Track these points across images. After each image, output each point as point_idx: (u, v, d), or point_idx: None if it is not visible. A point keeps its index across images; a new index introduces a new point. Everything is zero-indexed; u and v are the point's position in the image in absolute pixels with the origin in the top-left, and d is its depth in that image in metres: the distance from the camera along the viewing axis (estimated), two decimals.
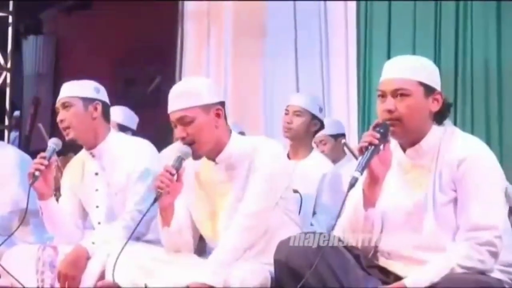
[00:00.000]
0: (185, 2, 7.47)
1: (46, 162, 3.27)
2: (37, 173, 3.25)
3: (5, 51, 8.32)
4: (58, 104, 3.48)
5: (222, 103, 3.04)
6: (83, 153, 3.55)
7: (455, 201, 2.57)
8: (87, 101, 3.45)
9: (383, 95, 2.64)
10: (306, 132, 4.10)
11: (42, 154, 3.31)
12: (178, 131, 2.98)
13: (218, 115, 3.00)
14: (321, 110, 4.19)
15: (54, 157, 3.38)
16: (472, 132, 5.58)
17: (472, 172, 2.53)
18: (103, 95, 3.52)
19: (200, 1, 7.41)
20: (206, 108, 2.98)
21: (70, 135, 3.42)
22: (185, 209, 3.10)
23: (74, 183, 3.53)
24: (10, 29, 8.34)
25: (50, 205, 3.37)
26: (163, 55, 7.78)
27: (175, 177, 2.91)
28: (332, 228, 2.60)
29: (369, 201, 2.61)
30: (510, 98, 5.82)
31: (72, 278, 3.17)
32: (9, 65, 8.28)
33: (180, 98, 2.99)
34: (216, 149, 3.02)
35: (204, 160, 3.06)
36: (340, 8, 6.65)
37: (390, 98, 2.62)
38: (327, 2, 6.74)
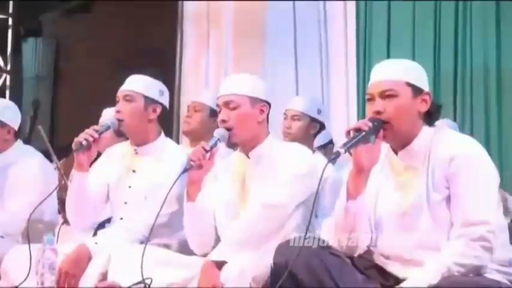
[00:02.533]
0: (185, 3, 7.45)
1: (96, 135, 3.26)
2: (84, 142, 3.23)
3: (4, 54, 8.35)
4: (120, 93, 3.46)
5: (269, 104, 3.16)
6: (125, 146, 3.53)
7: (448, 198, 2.57)
8: (149, 101, 3.44)
9: (371, 98, 2.66)
10: (306, 135, 4.11)
11: (96, 127, 3.31)
12: (221, 114, 3.10)
13: (262, 111, 3.13)
14: (319, 111, 4.18)
15: (107, 133, 3.36)
16: (472, 132, 5.59)
17: (464, 169, 2.54)
18: (165, 99, 3.52)
19: (199, 2, 7.41)
20: (253, 100, 3.12)
21: (121, 127, 3.42)
22: (210, 198, 3.14)
23: (108, 173, 3.50)
24: (9, 32, 8.36)
25: (83, 179, 3.34)
26: (163, 57, 7.78)
27: (208, 155, 3.01)
28: (307, 227, 2.61)
29: (350, 193, 2.62)
30: (509, 98, 5.82)
31: (73, 276, 3.18)
32: (8, 68, 8.30)
33: (232, 84, 3.16)
34: (251, 144, 3.12)
35: (238, 153, 3.17)
36: (339, 8, 6.65)
37: (379, 100, 2.63)
38: (326, 2, 6.74)
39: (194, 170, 3.00)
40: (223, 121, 3.09)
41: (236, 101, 3.09)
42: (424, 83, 2.68)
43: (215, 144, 3.03)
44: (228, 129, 3.07)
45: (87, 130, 3.29)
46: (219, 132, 3.07)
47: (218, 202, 3.13)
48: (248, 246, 2.93)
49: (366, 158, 2.59)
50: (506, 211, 4.71)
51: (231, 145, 3.13)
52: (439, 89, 5.96)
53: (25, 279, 3.07)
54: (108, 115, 4.21)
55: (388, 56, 6.15)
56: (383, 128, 2.60)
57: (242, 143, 3.13)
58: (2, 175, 3.94)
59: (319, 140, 4.84)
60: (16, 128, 4.04)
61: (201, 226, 3.11)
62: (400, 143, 2.66)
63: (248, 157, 3.13)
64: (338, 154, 2.54)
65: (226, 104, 3.09)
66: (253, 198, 3.06)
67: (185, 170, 2.99)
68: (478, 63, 5.92)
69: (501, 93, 5.85)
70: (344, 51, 6.59)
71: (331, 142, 4.99)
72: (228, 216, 3.10)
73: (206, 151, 3.00)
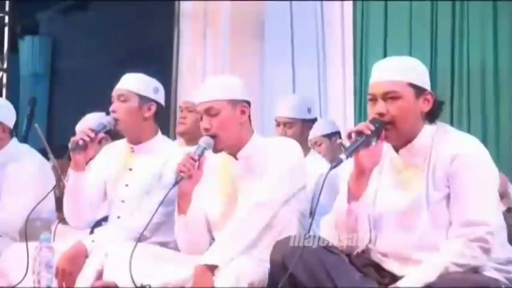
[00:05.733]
0: (182, 2, 7.46)
1: (92, 135, 3.27)
2: (81, 142, 3.24)
3: (1, 52, 8.33)
4: (114, 93, 3.45)
5: (248, 102, 3.11)
6: (122, 145, 3.53)
7: (448, 197, 2.56)
8: (144, 99, 3.43)
9: (373, 99, 2.65)
10: (302, 137, 4.10)
11: (91, 126, 3.31)
12: (203, 122, 3.05)
13: (243, 112, 3.08)
14: (309, 110, 4.17)
15: (101, 135, 3.37)
16: (469, 130, 5.59)
17: (465, 168, 2.53)
18: (161, 97, 3.51)
19: (196, 1, 7.41)
20: (232, 103, 3.06)
21: (117, 126, 3.41)
22: (201, 203, 3.10)
23: (105, 171, 3.50)
24: (6, 30, 8.34)
25: (79, 178, 3.34)
26: (160, 56, 7.77)
27: (197, 164, 2.96)
28: (309, 229, 2.60)
29: (352, 195, 2.62)
30: (506, 97, 5.83)
31: (69, 274, 3.18)
32: (5, 66, 8.28)
33: (210, 90, 3.09)
34: (237, 145, 3.08)
35: (224, 154, 3.11)
36: (336, 8, 6.66)
37: (381, 101, 2.62)
38: (324, 2, 6.75)
39: (185, 181, 2.96)
40: (206, 129, 3.03)
41: (216, 107, 3.03)
42: (426, 82, 2.66)
43: (202, 153, 2.98)
44: (213, 136, 3.03)
45: (83, 130, 3.30)
46: (205, 140, 3.01)
47: (210, 206, 3.12)
48: (242, 245, 2.92)
49: (367, 160, 2.59)
50: (507, 197, 4.73)
51: (218, 151, 3.09)
52: (436, 89, 5.95)
53: (23, 278, 3.06)
54: (79, 128, 4.18)
55: (385, 55, 6.16)
56: (385, 129, 2.60)
57: (228, 148, 3.09)
58: None
59: (324, 128, 4.84)
60: (11, 126, 4.02)
61: (194, 236, 3.08)
62: (402, 142, 2.65)
63: (236, 158, 3.09)
64: (340, 161, 2.53)
65: (207, 111, 3.04)
66: (244, 198, 3.04)
67: (177, 182, 2.95)
68: (475, 63, 5.94)
69: (498, 92, 5.87)
70: (341, 51, 6.61)
71: (336, 133, 4.99)
72: (221, 218, 3.09)
73: (195, 160, 2.96)
